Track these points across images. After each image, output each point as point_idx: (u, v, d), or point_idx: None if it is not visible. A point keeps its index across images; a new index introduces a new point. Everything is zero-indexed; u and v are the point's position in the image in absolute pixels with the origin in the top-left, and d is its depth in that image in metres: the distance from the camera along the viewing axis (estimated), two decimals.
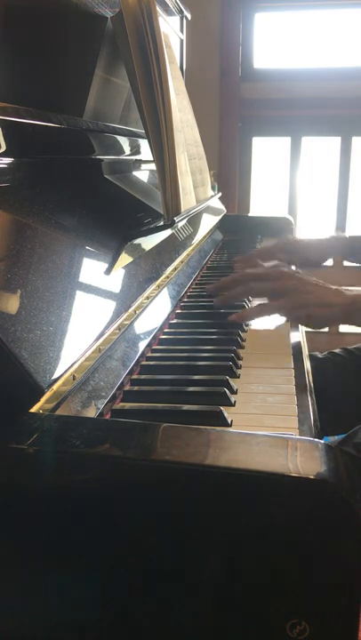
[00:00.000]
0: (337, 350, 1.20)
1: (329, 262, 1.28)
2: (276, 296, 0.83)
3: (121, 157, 0.99)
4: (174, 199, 0.86)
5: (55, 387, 0.48)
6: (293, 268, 1.32)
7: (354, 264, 1.30)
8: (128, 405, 0.60)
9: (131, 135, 1.05)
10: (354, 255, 1.25)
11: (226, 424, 0.56)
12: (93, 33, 0.88)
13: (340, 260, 2.57)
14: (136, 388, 0.64)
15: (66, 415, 0.49)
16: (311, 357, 1.11)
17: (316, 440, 0.42)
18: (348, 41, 2.56)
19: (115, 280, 0.69)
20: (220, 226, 1.60)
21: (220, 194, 1.59)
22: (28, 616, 0.44)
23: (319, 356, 1.18)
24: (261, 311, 0.84)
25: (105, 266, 0.68)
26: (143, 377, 0.67)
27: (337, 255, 1.28)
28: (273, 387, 0.67)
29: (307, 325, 0.86)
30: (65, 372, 0.50)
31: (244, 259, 1.25)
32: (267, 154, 2.77)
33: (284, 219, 1.77)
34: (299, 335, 0.87)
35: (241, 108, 2.62)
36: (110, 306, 0.65)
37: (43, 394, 0.46)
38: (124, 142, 1.01)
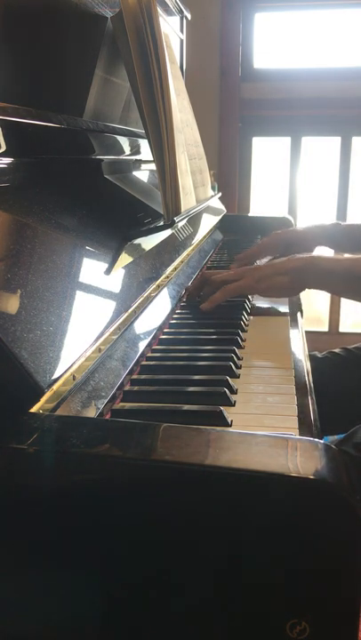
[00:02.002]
0: (337, 350, 1.20)
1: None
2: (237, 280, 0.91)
3: (121, 157, 0.99)
4: (174, 199, 0.86)
5: (55, 387, 0.48)
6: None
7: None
8: (128, 405, 0.60)
9: (131, 135, 1.05)
10: (337, 244, 1.24)
11: (226, 424, 0.56)
12: (93, 33, 0.88)
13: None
14: (136, 387, 0.64)
15: (66, 415, 0.49)
16: (311, 357, 1.11)
17: (316, 440, 0.42)
18: (348, 41, 2.56)
19: (115, 280, 0.69)
20: (220, 226, 1.60)
21: (220, 194, 1.59)
22: (28, 616, 0.44)
23: (319, 355, 1.18)
24: (227, 292, 0.90)
25: (105, 266, 0.68)
26: (143, 377, 0.67)
27: (324, 245, 1.27)
28: (273, 387, 0.67)
29: (271, 295, 0.95)
30: (65, 371, 0.50)
31: (241, 256, 1.26)
32: (267, 154, 2.77)
33: (284, 219, 1.77)
34: (299, 335, 0.87)
35: (241, 108, 2.62)
36: (110, 306, 0.65)
37: (43, 394, 0.46)
38: (124, 142, 1.01)
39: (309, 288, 0.93)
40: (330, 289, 0.99)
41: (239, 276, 0.92)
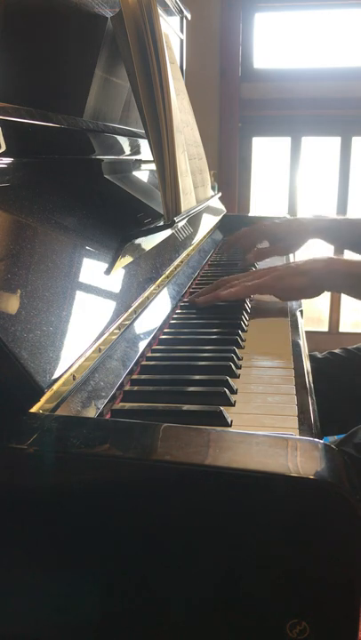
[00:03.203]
0: (337, 350, 1.19)
1: (330, 253, 1.27)
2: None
3: (121, 157, 0.99)
4: (174, 199, 0.86)
5: (55, 387, 0.48)
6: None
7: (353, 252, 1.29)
8: (128, 405, 0.60)
9: (131, 135, 1.05)
10: (334, 238, 1.24)
11: (226, 424, 0.56)
12: (93, 33, 0.88)
13: (339, 252, 2.56)
14: (136, 387, 0.64)
15: (66, 415, 0.49)
16: (311, 357, 1.11)
17: (316, 440, 0.42)
18: (348, 41, 2.56)
19: (115, 280, 0.69)
20: (220, 226, 1.60)
21: (219, 194, 1.59)
22: (28, 616, 0.44)
23: (319, 356, 1.18)
24: (246, 289, 0.91)
25: (105, 266, 0.68)
26: (143, 377, 0.67)
27: (318, 237, 1.27)
28: (273, 387, 0.67)
29: (288, 297, 0.95)
30: (65, 372, 0.50)
31: (230, 239, 1.28)
32: (267, 154, 2.77)
33: (285, 219, 1.77)
34: (299, 335, 0.87)
35: (241, 108, 2.62)
36: (110, 306, 0.65)
37: (43, 394, 0.46)
38: (124, 142, 1.01)
39: (328, 291, 0.93)
40: (350, 292, 0.96)
41: (258, 277, 0.92)
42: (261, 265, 1.27)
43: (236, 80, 2.59)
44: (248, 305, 0.98)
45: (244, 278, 0.95)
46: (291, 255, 1.33)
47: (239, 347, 0.79)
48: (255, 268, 1.27)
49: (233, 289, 0.91)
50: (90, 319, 0.59)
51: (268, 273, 0.92)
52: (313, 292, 0.92)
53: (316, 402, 0.64)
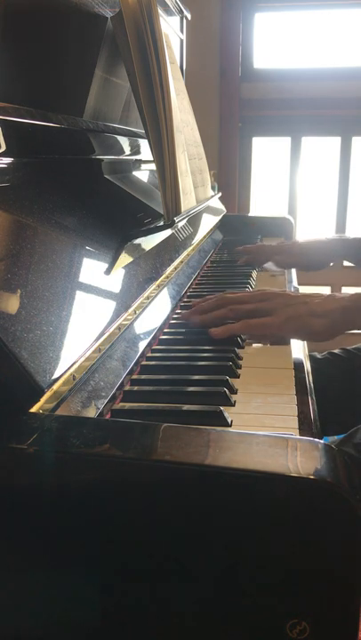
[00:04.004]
0: (336, 350, 1.20)
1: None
2: (263, 315, 0.77)
3: (121, 157, 0.99)
4: (174, 199, 0.86)
5: (55, 387, 0.48)
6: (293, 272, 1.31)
7: (353, 265, 1.29)
8: (128, 405, 0.60)
9: (131, 135, 1.05)
10: (358, 259, 1.24)
11: (226, 424, 0.56)
12: (93, 33, 0.88)
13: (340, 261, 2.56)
14: (136, 387, 0.64)
15: (66, 415, 0.49)
16: (311, 357, 1.11)
17: (316, 440, 0.42)
18: (348, 41, 2.56)
19: (115, 280, 0.69)
20: (220, 226, 1.60)
21: (220, 194, 1.59)
22: (28, 616, 0.44)
23: (319, 356, 1.18)
24: (247, 328, 0.77)
25: (105, 266, 0.68)
26: (143, 377, 0.67)
27: (340, 259, 1.27)
28: (273, 387, 0.67)
29: (304, 339, 0.80)
30: (65, 372, 0.50)
31: (246, 249, 1.25)
32: (267, 154, 2.77)
33: (284, 219, 1.78)
34: None
35: (241, 108, 2.62)
36: (110, 306, 0.65)
37: (43, 394, 0.46)
38: (124, 142, 1.01)
39: (346, 331, 0.79)
40: None
41: (266, 311, 0.77)
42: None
43: (236, 80, 2.59)
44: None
45: (252, 306, 0.79)
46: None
47: (239, 346, 0.78)
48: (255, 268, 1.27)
49: (232, 326, 0.77)
50: (90, 319, 0.59)
51: (279, 308, 0.77)
52: (329, 336, 0.78)
53: (316, 402, 0.64)
